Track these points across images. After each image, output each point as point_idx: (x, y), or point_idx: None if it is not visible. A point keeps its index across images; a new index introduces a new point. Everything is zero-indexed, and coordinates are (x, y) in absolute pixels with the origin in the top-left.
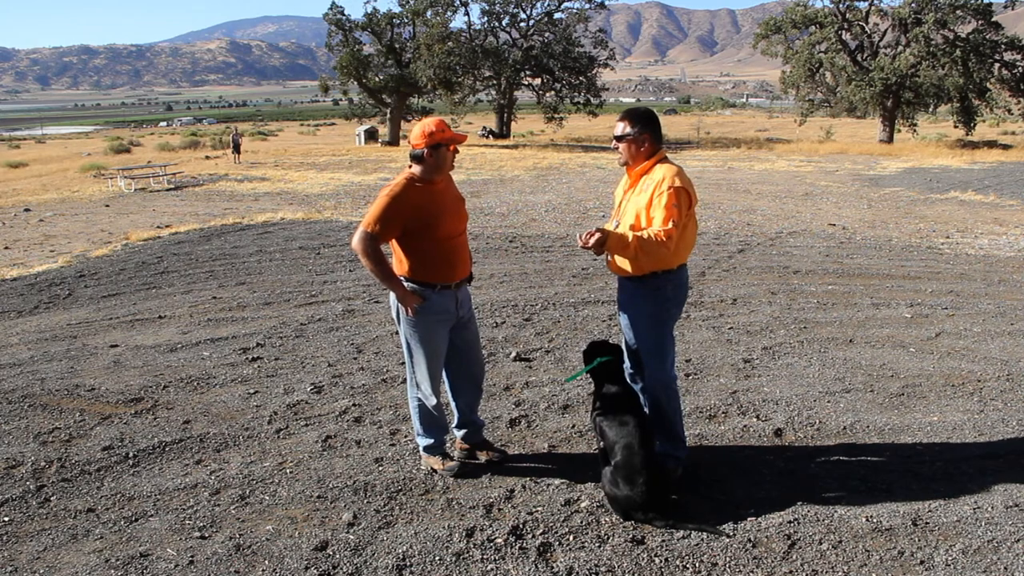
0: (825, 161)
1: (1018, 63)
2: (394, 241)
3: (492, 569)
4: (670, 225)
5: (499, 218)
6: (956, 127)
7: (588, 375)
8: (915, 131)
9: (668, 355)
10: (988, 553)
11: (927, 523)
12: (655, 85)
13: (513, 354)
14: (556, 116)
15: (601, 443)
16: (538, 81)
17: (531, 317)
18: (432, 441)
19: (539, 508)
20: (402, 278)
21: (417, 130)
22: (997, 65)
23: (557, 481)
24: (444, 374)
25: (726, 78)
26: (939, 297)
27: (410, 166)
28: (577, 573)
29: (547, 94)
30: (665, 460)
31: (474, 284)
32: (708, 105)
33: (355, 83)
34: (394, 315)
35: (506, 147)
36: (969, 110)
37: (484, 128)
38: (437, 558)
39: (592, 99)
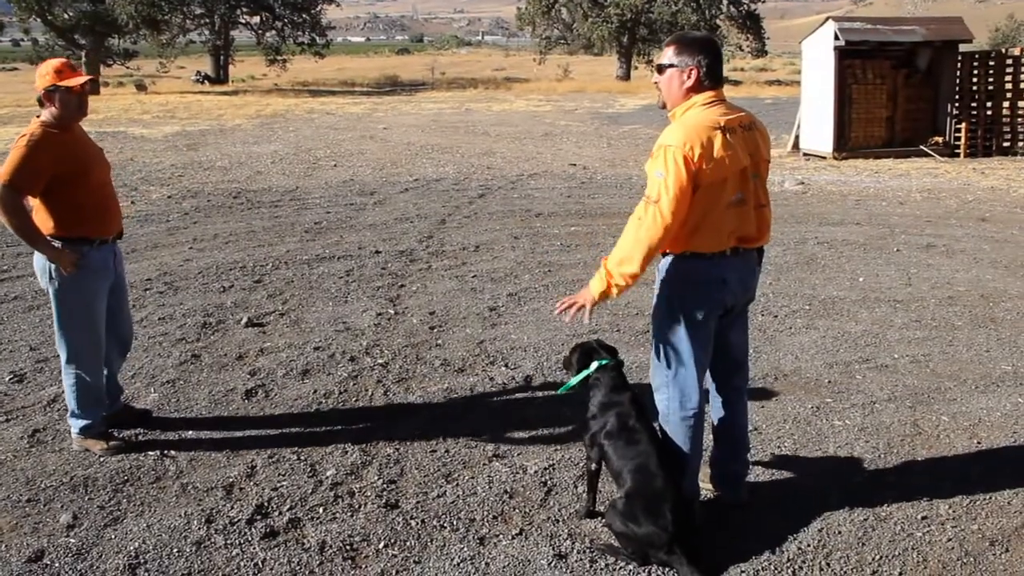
0: (564, 100)
1: (743, 1)
2: (39, 197)
3: (238, 554)
4: (654, 194)
5: (220, 172)
6: None
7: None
8: (651, 68)
9: (680, 378)
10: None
11: None
12: (386, 23)
13: (244, 320)
14: (279, 58)
15: (594, 466)
16: (257, 19)
17: (262, 278)
18: (89, 421)
19: (283, 483)
20: (50, 237)
21: (36, 73)
22: (726, 2)
23: (302, 453)
24: None
25: (460, 15)
26: None
27: (38, 115)
28: (330, 546)
29: (267, 34)
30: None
31: (197, 246)
32: (443, 44)
33: (39, 20)
34: (44, 283)
35: (224, 93)
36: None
37: (198, 73)
38: (175, 550)
39: (318, 39)
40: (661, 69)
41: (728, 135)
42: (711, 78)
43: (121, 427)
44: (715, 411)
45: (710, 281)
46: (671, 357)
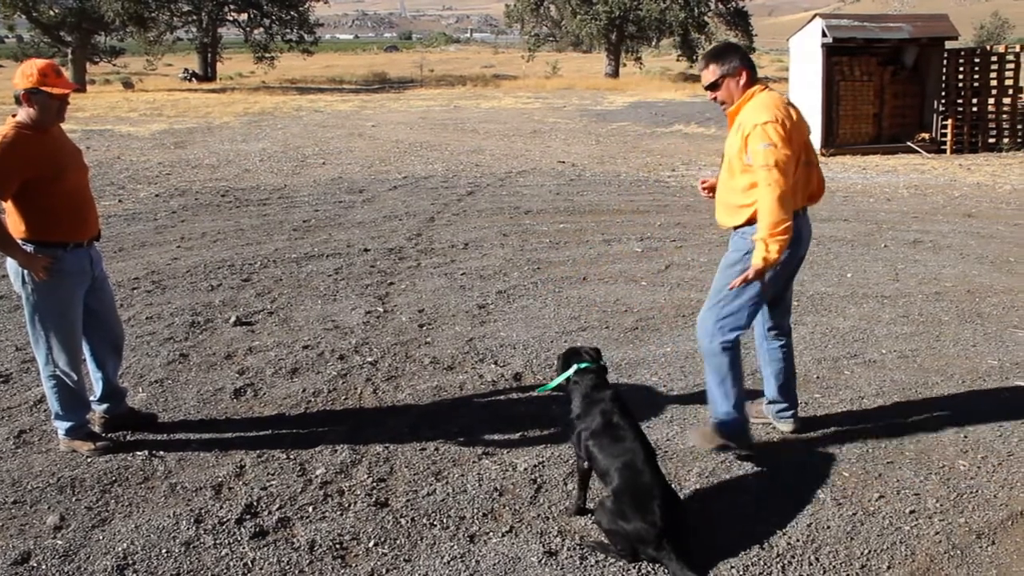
0: (553, 97)
1: None
2: (10, 200)
3: (227, 554)
4: (771, 161)
5: (208, 170)
6: (679, 60)
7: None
8: (640, 65)
9: (733, 317)
10: (722, 473)
11: (665, 451)
12: (374, 20)
13: (233, 318)
14: (267, 56)
15: (586, 464)
16: (244, 16)
17: (250, 277)
18: (75, 423)
19: (273, 482)
20: (23, 241)
21: (18, 70)
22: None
23: (291, 451)
24: (84, 344)
25: (448, 12)
26: (667, 230)
27: (14, 115)
28: (320, 545)
29: (255, 31)
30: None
31: (185, 244)
32: (431, 41)
33: (24, 17)
34: (17, 286)
35: (212, 91)
36: (690, 43)
37: (186, 70)
38: (164, 550)
39: (306, 36)
40: (715, 86)
41: (792, 109)
42: (753, 69)
43: (119, 429)
44: (771, 355)
45: (792, 239)
46: (731, 308)
